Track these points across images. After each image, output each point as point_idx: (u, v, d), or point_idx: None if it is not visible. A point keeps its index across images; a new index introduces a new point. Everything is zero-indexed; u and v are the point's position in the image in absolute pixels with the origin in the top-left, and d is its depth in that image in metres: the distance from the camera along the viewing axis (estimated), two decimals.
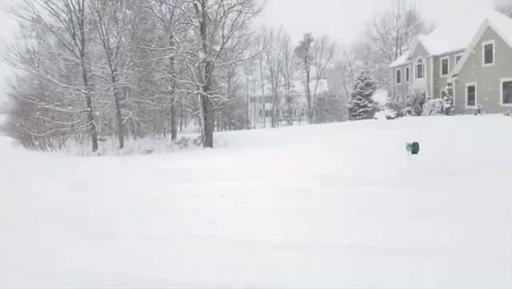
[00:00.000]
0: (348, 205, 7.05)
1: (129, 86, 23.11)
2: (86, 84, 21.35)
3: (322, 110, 56.59)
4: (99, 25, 21.19)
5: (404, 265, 4.18)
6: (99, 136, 23.09)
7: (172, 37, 20.86)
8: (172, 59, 21.82)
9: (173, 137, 25.56)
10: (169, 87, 22.12)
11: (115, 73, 21.57)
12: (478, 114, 25.36)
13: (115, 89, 21.54)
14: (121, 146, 21.78)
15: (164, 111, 25.24)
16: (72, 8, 20.96)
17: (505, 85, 24.83)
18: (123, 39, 22.87)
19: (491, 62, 25.91)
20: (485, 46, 26.24)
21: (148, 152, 19.70)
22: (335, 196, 7.69)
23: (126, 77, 22.66)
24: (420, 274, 3.97)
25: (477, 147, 11.83)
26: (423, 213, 6.13)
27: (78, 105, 22.46)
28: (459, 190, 7.51)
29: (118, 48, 22.39)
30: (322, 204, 7.17)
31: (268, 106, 62.94)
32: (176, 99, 21.59)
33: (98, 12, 21.22)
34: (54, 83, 24.02)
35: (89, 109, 21.24)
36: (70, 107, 21.80)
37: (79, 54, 21.26)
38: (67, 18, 21.33)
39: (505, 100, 24.80)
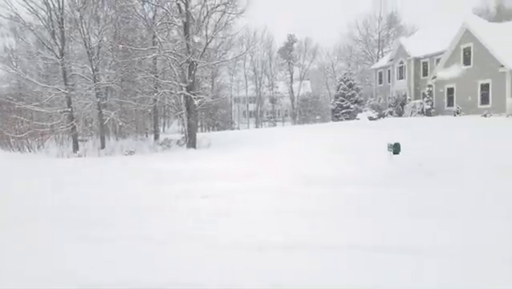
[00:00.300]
0: (333, 204, 7.09)
1: (111, 86, 22.76)
2: (66, 84, 20.92)
3: (305, 111, 57.00)
4: (79, 23, 20.81)
5: (386, 261, 4.22)
6: (79, 137, 22.66)
7: (154, 37, 20.64)
8: (154, 58, 21.60)
9: (156, 138, 25.31)
10: (152, 88, 21.89)
11: (96, 73, 21.21)
12: (457, 115, 25.96)
13: (96, 89, 21.18)
14: (103, 147, 21.43)
15: (147, 111, 24.96)
16: (52, 6, 20.54)
17: (483, 87, 25.48)
18: (104, 38, 22.51)
19: (469, 64, 26.55)
20: (464, 49, 26.89)
21: (131, 153, 19.43)
22: (318, 196, 7.72)
23: (108, 77, 22.32)
24: (407, 272, 4.01)
25: (456, 147, 12.10)
26: (406, 212, 6.23)
27: (58, 105, 21.99)
28: (438, 190, 7.67)
29: (99, 47, 22.03)
30: (306, 204, 7.19)
31: (252, 107, 62.98)
32: (158, 100, 21.38)
33: (78, 10, 20.84)
34: (32, 83, 23.48)
35: (69, 109, 20.82)
36: (49, 108, 21.33)
37: (58, 54, 20.82)
38: (46, 17, 20.88)
39: (483, 102, 25.45)
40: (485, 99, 25.40)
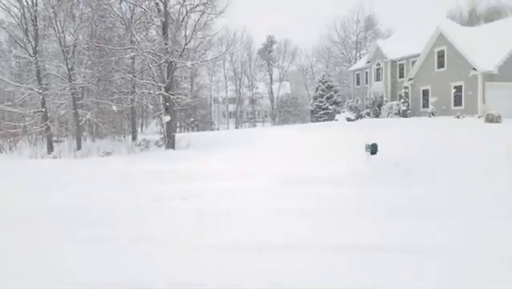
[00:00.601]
0: (313, 203, 7.16)
1: (87, 86, 22.26)
2: (40, 83, 20.33)
3: (285, 112, 57.27)
4: (54, 21, 20.27)
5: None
6: (54, 138, 22.06)
7: (132, 36, 20.32)
8: (132, 58, 21.26)
9: (134, 139, 24.90)
10: (130, 88, 21.53)
11: (71, 72, 20.70)
12: (432, 116, 26.61)
13: (72, 89, 20.67)
14: (78, 148, 20.92)
15: (125, 111, 24.53)
16: (25, 3, 19.92)
17: (456, 89, 26.22)
18: (80, 37, 22.01)
19: (443, 67, 27.28)
20: (438, 52, 27.61)
21: (107, 154, 19.05)
22: (297, 195, 7.79)
23: (84, 76, 21.82)
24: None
25: (431, 148, 12.39)
26: (386, 211, 6.34)
27: (31, 105, 21.37)
28: (414, 190, 7.84)
29: (75, 46, 21.52)
30: (286, 203, 7.25)
31: (232, 107, 62.86)
32: (136, 100, 21.05)
33: (53, 8, 20.29)
34: (4, 82, 22.71)
35: (43, 109, 20.25)
36: (22, 108, 20.69)
37: (31, 52, 20.21)
38: (19, 14, 20.25)
39: (456, 103, 26.19)
40: (458, 101, 26.14)
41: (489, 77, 24.02)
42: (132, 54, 19.98)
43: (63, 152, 19.97)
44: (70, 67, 20.47)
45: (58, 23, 20.33)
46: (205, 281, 3.91)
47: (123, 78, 21.24)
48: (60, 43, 20.55)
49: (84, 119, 21.10)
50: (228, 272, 4.14)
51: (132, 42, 20.82)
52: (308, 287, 3.73)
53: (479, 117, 23.02)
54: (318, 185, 8.48)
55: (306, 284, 3.79)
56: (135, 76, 21.17)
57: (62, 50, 20.58)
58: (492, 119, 20.49)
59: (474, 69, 24.38)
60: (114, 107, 21.25)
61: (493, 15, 44.52)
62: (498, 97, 23.48)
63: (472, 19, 47.08)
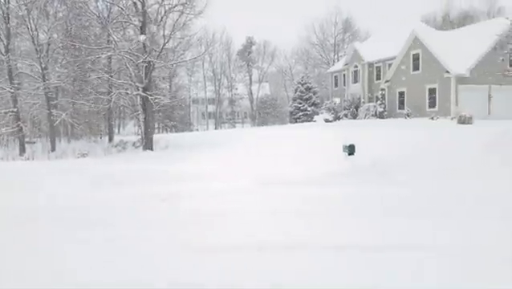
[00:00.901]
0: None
1: (62, 85, 21.70)
2: (11, 83, 19.70)
3: (264, 113, 57.41)
4: (26, 19, 19.69)
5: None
6: (27, 139, 21.40)
7: (109, 35, 19.94)
8: (109, 58, 20.85)
9: (110, 140, 24.43)
10: (107, 88, 21.12)
11: (45, 71, 20.16)
12: (408, 118, 27.22)
13: (45, 88, 20.12)
14: (53, 149, 20.37)
15: (101, 112, 24.02)
16: None
17: (430, 91, 26.92)
18: (54, 35, 21.46)
19: (418, 69, 27.95)
20: (413, 55, 28.28)
21: (83, 155, 18.62)
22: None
23: (58, 76, 21.26)
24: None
25: (407, 148, 12.48)
26: (362, 211, 6.43)
27: (2, 105, 20.67)
28: (391, 190, 7.98)
29: (49, 45, 20.97)
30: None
31: (211, 108, 62.53)
32: (113, 100, 20.66)
33: (26, 5, 19.71)
34: None
35: (15, 109, 19.63)
36: None
37: (3, 50, 19.57)
38: None
39: (431, 105, 26.87)
40: (432, 103, 26.82)
41: (461, 80, 24.75)
42: (109, 53, 19.60)
43: (37, 154, 19.40)
44: (43, 66, 19.92)
45: (31, 21, 19.78)
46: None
47: (99, 78, 20.82)
48: (33, 42, 19.99)
49: (59, 119, 20.57)
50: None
51: (108, 41, 20.43)
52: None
53: (452, 119, 23.65)
54: (301, 186, 8.50)
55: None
56: (112, 76, 20.77)
57: (36, 49, 20.02)
58: (464, 120, 20.94)
59: (447, 72, 25.09)
60: (88, 108, 20.82)
61: (465, 20, 45.98)
62: (470, 99, 24.21)
63: (445, 24, 48.44)
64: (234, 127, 55.17)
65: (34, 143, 22.18)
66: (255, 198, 7.83)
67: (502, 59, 23.45)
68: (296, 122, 39.87)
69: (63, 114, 20.77)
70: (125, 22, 20.46)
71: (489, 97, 25.02)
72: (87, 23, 22.46)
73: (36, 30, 20.12)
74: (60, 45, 21.47)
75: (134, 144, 21.34)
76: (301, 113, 41.88)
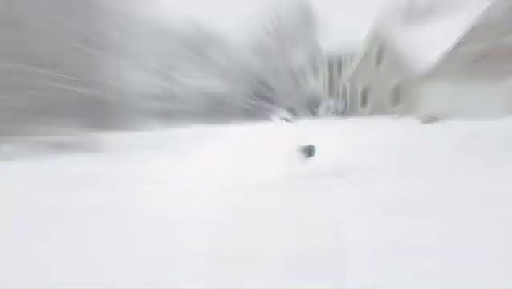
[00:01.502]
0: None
1: None
2: None
3: (218, 110, 55.32)
4: None
5: None
6: None
7: None
8: None
9: None
10: None
11: None
12: (370, 116, 25.89)
13: None
14: None
15: None
16: None
17: (394, 89, 25.67)
18: None
19: (381, 66, 26.65)
20: (376, 50, 26.93)
21: None
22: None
23: None
24: None
25: (368, 149, 11.94)
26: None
27: None
28: (351, 192, 7.20)
29: None
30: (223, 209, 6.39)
31: (157, 104, 59.15)
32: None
33: None
34: None
35: None
36: None
37: None
38: None
39: (394, 103, 25.66)
40: (395, 101, 25.62)
41: (425, 77, 23.57)
42: None
43: None
44: None
45: None
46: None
47: None
48: None
49: None
50: None
51: None
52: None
53: (416, 117, 22.62)
54: (264, 189, 7.62)
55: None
56: None
57: None
58: (428, 119, 20.52)
59: (411, 68, 23.86)
60: None
61: (430, 15, 46.04)
62: (435, 97, 23.25)
63: (409, 19, 48.30)
64: (186, 126, 52.26)
65: None
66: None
67: (469, 55, 22.53)
68: (251, 120, 37.86)
69: None
70: None
71: (457, 94, 24.08)
72: None
73: None
74: None
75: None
76: (257, 111, 40.17)
